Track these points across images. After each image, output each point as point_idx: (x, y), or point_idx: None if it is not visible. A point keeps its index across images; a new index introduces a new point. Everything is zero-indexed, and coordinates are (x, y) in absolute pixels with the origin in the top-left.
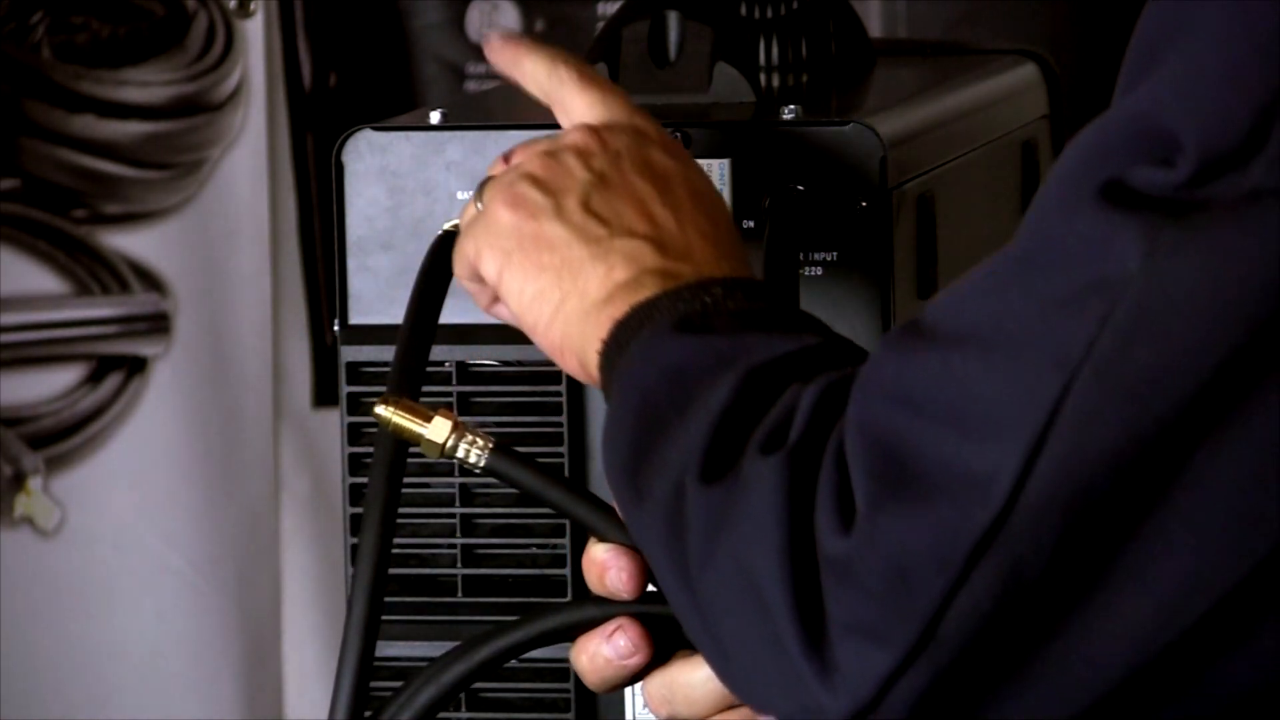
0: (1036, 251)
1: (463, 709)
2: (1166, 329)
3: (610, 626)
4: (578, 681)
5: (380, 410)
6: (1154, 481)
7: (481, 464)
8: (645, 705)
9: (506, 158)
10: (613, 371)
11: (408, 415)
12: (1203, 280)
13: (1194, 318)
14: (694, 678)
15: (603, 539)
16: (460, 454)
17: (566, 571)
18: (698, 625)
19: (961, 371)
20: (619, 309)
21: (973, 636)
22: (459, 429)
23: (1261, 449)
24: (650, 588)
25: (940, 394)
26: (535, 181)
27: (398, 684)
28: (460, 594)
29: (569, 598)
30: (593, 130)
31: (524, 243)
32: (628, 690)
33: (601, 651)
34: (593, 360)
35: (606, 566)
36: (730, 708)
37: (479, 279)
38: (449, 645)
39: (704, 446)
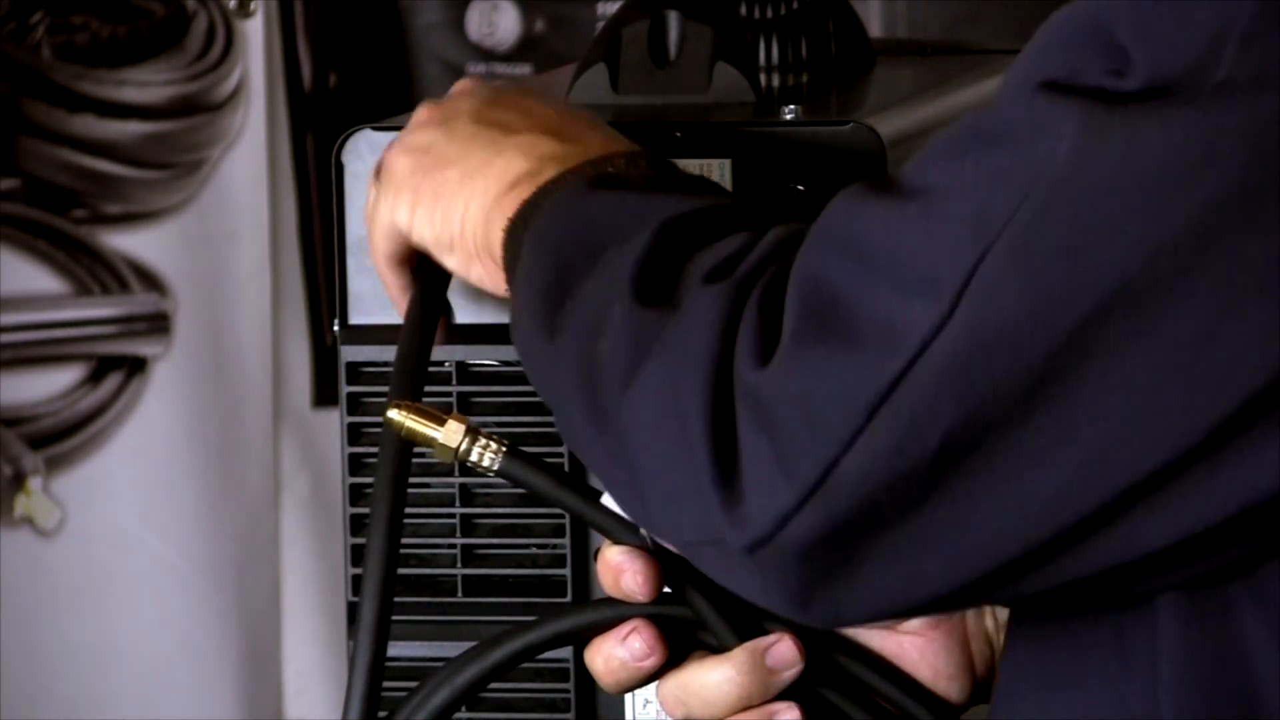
0: (989, 124)
1: (462, 709)
2: (1082, 211)
3: (625, 628)
4: (578, 681)
5: (393, 414)
6: (1057, 364)
7: (495, 468)
8: (645, 705)
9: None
10: (520, 247)
11: (421, 419)
12: (1124, 171)
13: (1110, 206)
14: (709, 679)
15: (617, 542)
16: (474, 458)
17: (566, 572)
18: (611, 447)
19: (903, 227)
20: (525, 191)
21: (869, 485)
22: (472, 433)
23: (1172, 347)
24: (665, 589)
25: (882, 246)
26: (422, 127)
27: (399, 684)
28: (460, 594)
29: (569, 598)
30: (467, 82)
31: (428, 173)
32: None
33: (616, 653)
34: (498, 242)
35: (621, 569)
36: (746, 709)
37: (402, 243)
38: (449, 645)
39: (631, 278)
